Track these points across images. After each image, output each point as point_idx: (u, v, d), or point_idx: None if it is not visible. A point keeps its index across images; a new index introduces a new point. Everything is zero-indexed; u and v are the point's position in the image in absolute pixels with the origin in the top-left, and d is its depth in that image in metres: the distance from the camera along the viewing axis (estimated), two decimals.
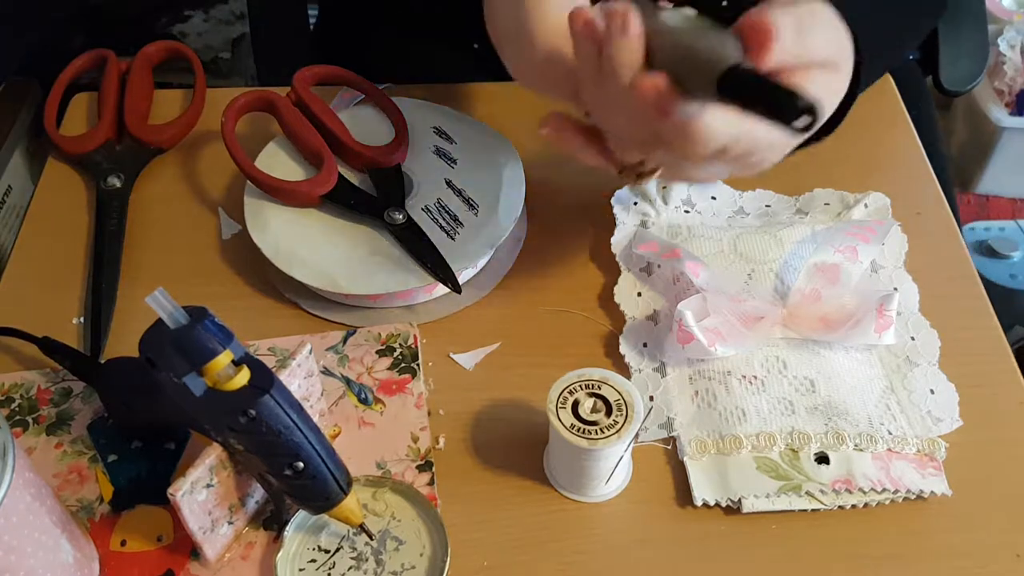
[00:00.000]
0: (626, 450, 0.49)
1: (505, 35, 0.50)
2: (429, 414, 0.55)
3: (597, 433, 0.47)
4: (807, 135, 0.39)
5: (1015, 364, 0.57)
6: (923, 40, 0.75)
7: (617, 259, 0.62)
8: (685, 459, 0.52)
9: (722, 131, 0.40)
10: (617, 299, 0.60)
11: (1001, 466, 0.53)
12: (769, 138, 0.42)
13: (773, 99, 0.36)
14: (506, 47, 0.50)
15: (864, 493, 0.51)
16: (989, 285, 0.61)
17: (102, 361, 0.57)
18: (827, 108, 0.45)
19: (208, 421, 0.45)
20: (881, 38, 0.52)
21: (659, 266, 0.61)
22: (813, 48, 0.42)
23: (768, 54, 0.39)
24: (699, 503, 0.51)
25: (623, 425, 0.48)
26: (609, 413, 0.48)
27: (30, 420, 0.55)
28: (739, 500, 0.51)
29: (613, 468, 0.50)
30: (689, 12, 0.42)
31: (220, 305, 0.46)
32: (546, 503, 0.52)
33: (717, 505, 0.51)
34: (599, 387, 0.49)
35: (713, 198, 0.65)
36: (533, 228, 0.65)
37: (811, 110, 0.35)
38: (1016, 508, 0.51)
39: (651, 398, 0.55)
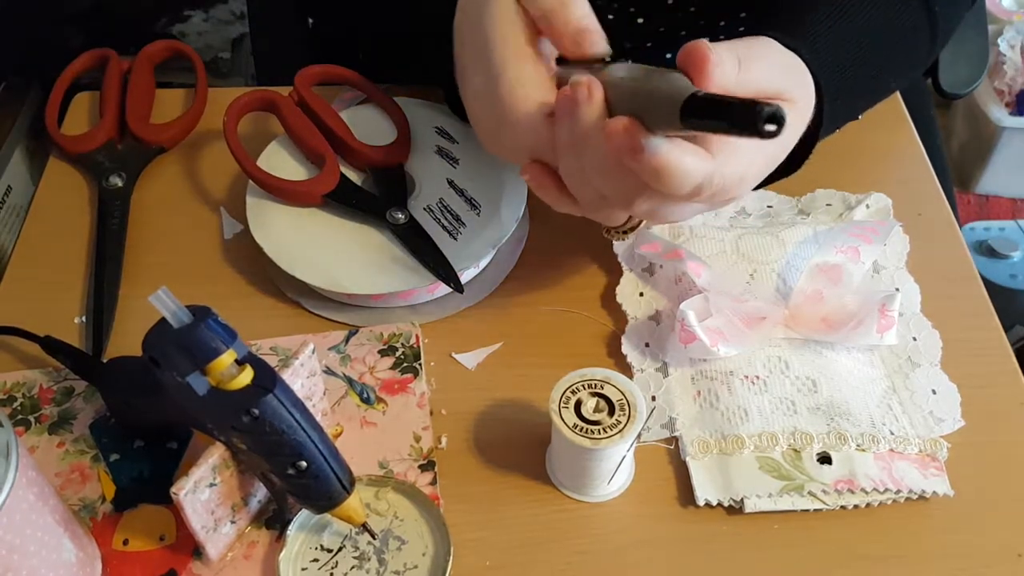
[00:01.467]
0: (628, 450, 0.49)
1: (475, 103, 0.51)
2: (431, 414, 0.55)
3: (600, 433, 0.47)
4: (775, 165, 0.42)
5: (1016, 364, 0.57)
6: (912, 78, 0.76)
7: (619, 259, 0.62)
8: (687, 459, 0.52)
9: (695, 168, 0.42)
10: (619, 299, 0.60)
11: (1002, 466, 0.53)
12: (739, 171, 0.44)
13: (736, 112, 0.37)
14: (482, 119, 0.51)
15: (867, 493, 0.51)
16: (989, 285, 0.61)
17: (104, 360, 0.57)
18: (787, 138, 0.47)
19: (211, 420, 0.45)
20: (854, 82, 0.54)
21: (661, 266, 0.61)
22: (758, 78, 0.45)
23: (709, 77, 0.41)
24: (701, 503, 0.51)
25: (626, 425, 0.48)
26: (612, 413, 0.48)
27: (32, 419, 0.55)
28: (741, 500, 0.51)
29: (615, 468, 0.50)
30: (631, 63, 0.44)
31: (222, 304, 0.46)
32: (548, 503, 0.52)
33: (720, 505, 0.51)
34: (602, 387, 0.49)
35: None
36: (535, 228, 0.65)
37: (775, 116, 0.36)
38: (1017, 508, 0.51)
39: (653, 398, 0.55)
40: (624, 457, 0.49)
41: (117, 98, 0.71)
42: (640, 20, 0.71)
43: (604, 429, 0.47)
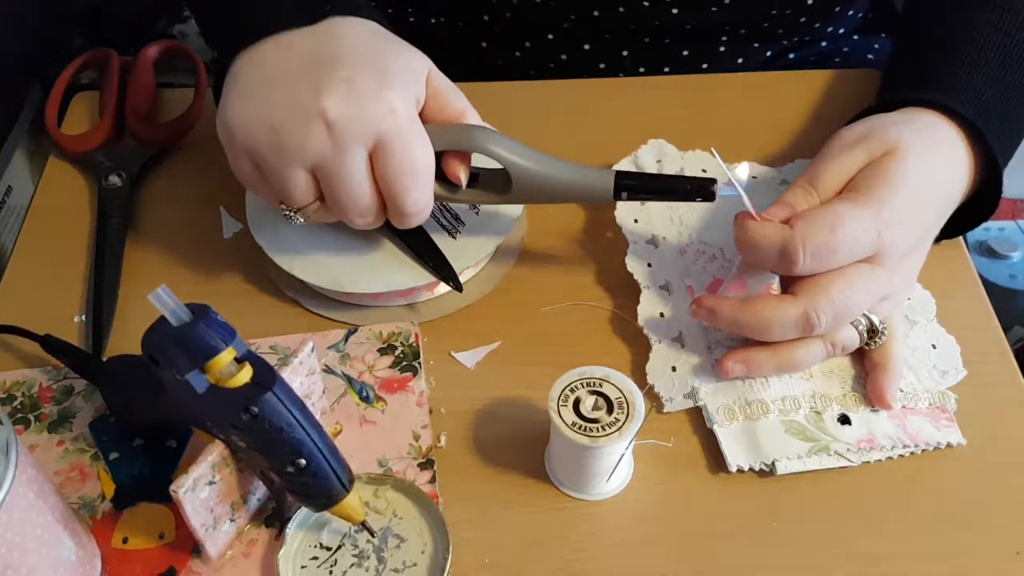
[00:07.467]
0: (627, 448, 0.49)
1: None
2: (430, 412, 0.55)
3: (598, 431, 0.47)
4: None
5: (1015, 364, 0.57)
6: None
7: (623, 232, 0.63)
8: (714, 427, 0.53)
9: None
10: (629, 269, 0.60)
11: (1000, 466, 0.53)
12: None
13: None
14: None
15: (889, 449, 0.52)
16: (989, 285, 0.61)
17: (104, 359, 0.57)
18: (875, 288, 0.51)
19: (210, 418, 0.45)
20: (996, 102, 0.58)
21: (664, 238, 0.62)
22: (829, 187, 0.53)
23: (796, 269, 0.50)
24: (733, 469, 0.51)
25: (624, 423, 0.48)
26: (610, 411, 0.48)
27: (32, 418, 0.55)
28: (772, 463, 0.51)
29: (614, 466, 0.50)
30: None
31: (222, 303, 0.46)
32: (547, 501, 0.52)
33: (751, 470, 0.52)
34: (600, 385, 0.49)
35: (704, 171, 0.67)
36: (534, 226, 0.65)
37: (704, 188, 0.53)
38: (1015, 507, 0.51)
39: (673, 368, 0.56)
40: (623, 455, 0.49)
41: (117, 98, 0.72)
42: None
43: (603, 427, 0.48)
